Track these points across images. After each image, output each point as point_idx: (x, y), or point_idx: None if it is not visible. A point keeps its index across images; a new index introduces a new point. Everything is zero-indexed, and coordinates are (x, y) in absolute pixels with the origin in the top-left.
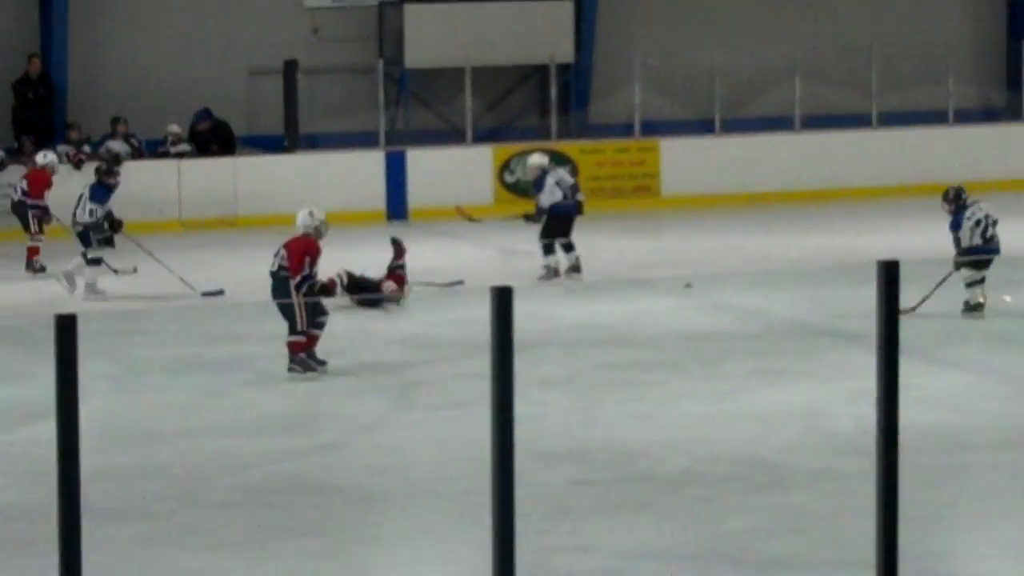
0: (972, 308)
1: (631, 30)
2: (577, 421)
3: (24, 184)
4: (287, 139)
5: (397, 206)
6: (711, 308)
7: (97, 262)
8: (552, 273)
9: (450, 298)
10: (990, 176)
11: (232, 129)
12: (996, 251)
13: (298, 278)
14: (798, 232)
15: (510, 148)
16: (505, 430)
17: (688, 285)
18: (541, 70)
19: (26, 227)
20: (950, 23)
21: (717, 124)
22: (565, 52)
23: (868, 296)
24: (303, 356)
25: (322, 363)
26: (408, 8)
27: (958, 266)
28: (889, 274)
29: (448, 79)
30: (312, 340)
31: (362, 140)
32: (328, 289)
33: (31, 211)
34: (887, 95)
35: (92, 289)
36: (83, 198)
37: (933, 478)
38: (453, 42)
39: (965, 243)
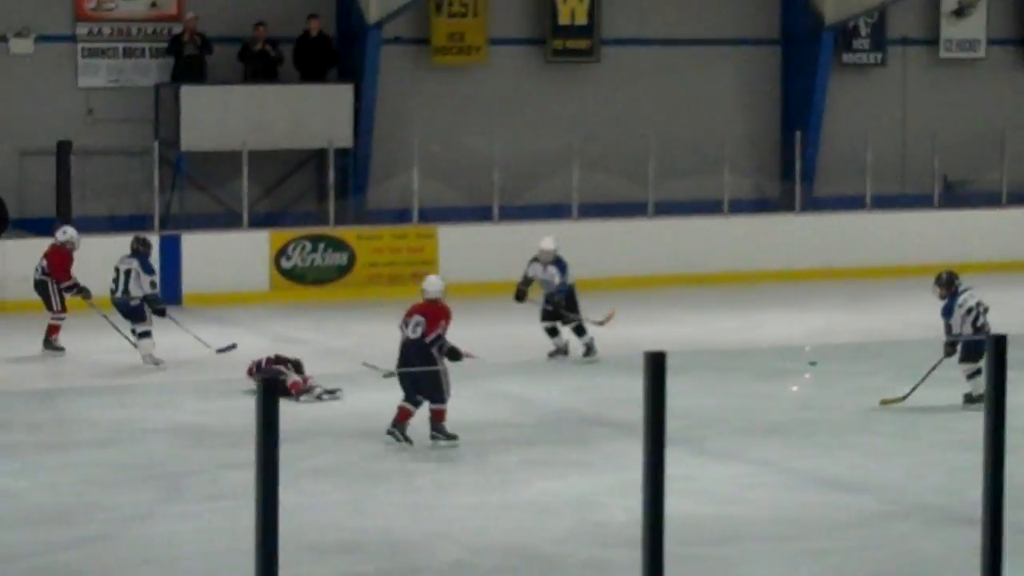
0: (974, 399)
1: (410, 116)
2: (348, 512)
3: (44, 263)
4: (59, 221)
5: (171, 291)
6: (484, 397)
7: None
8: (560, 352)
9: (220, 386)
10: (763, 267)
11: (6, 208)
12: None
13: (431, 338)
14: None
15: (287, 233)
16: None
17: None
18: (319, 155)
19: (49, 305)
20: (726, 114)
21: (495, 211)
22: (343, 137)
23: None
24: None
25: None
26: (184, 90)
27: (948, 353)
28: (655, 365)
29: (225, 163)
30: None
31: (136, 223)
32: (459, 353)
33: (63, 292)
34: (663, 184)
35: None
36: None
37: (703, 569)
38: (230, 125)
39: (956, 330)
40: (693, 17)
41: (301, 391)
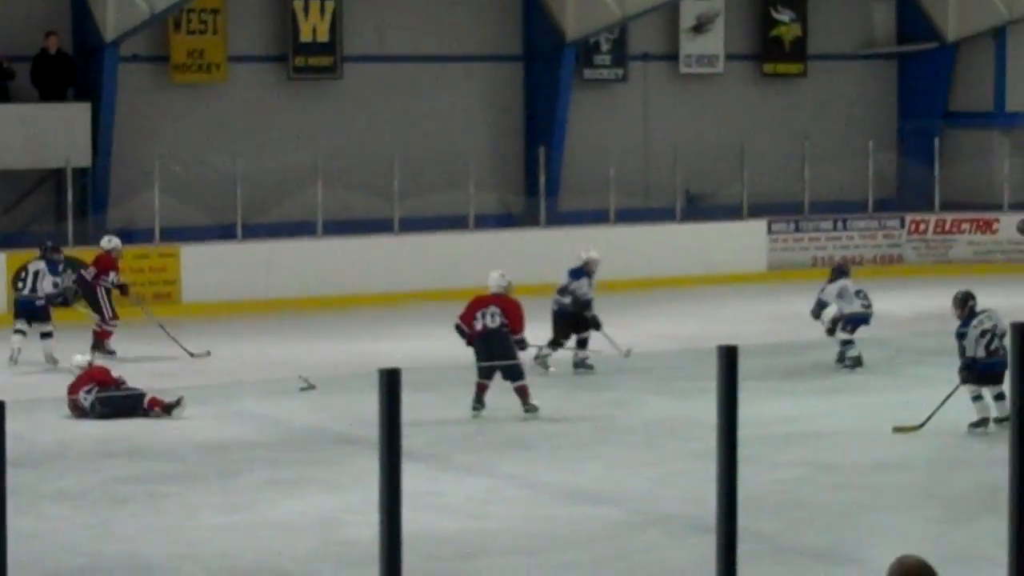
0: (977, 424)
1: (150, 134)
2: (90, 536)
3: (93, 269)
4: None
5: None
6: (230, 417)
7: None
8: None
9: None
10: (511, 280)
11: None
12: (1001, 364)
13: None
14: (320, 338)
15: (25, 255)
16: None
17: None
18: (57, 174)
19: (99, 310)
20: (470, 130)
21: (239, 230)
22: (82, 156)
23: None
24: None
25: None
26: None
27: (964, 379)
28: (390, 382)
29: None
30: None
31: None
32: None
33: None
34: (409, 200)
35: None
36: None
37: None
38: None
39: (969, 353)
40: (435, 34)
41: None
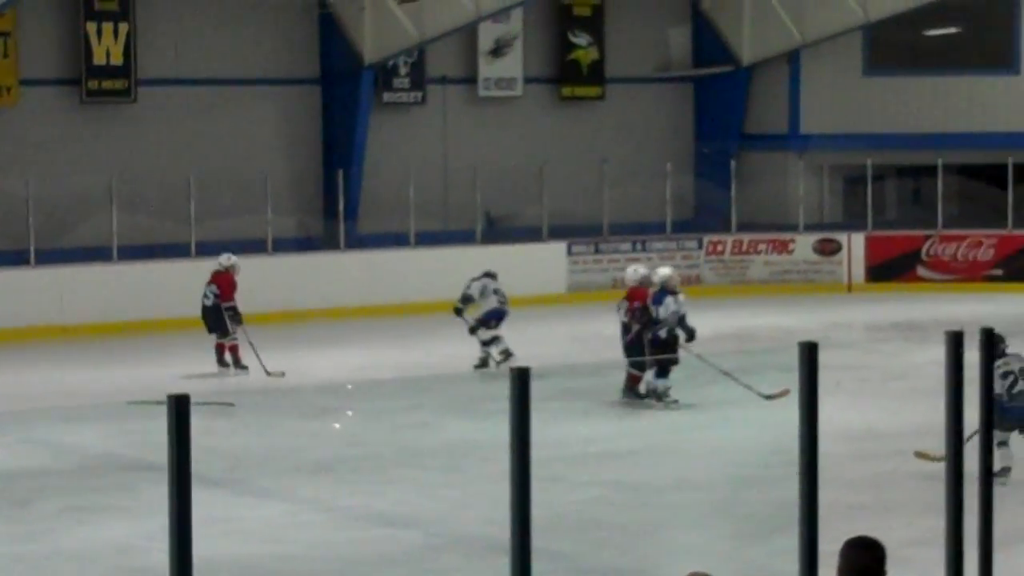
0: (999, 473)
1: None
2: None
3: (215, 288)
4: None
5: None
6: (22, 445)
7: None
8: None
9: None
10: (309, 305)
11: None
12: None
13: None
14: (116, 364)
15: None
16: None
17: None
18: None
19: (223, 329)
20: (267, 153)
21: (32, 255)
22: None
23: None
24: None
25: None
26: None
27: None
28: (179, 408)
29: None
30: None
31: None
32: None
33: (226, 313)
34: (206, 224)
35: None
36: None
37: None
38: None
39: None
40: (231, 57)
41: None
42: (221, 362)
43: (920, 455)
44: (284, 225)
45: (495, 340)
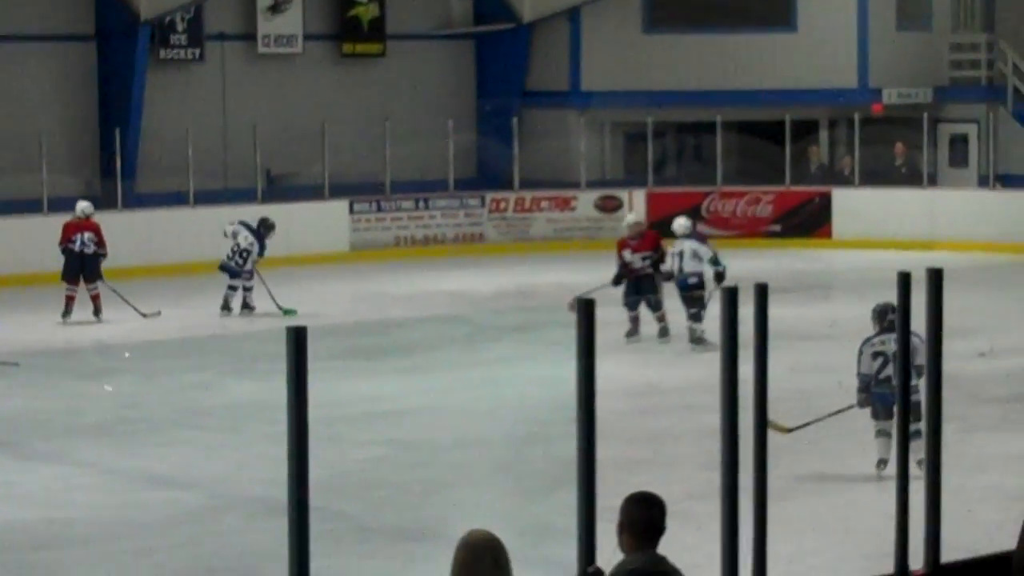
0: (881, 464)
1: None
2: None
3: (92, 236)
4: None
5: None
6: None
7: None
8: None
9: None
10: None
11: None
12: (887, 399)
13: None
14: None
15: None
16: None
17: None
18: None
19: (98, 277)
20: (42, 111)
21: None
22: None
23: None
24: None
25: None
26: None
27: (861, 403)
28: None
29: None
30: None
31: None
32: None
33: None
34: None
35: None
36: None
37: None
38: None
39: (862, 371)
40: (4, 12)
41: None
42: (69, 311)
43: (771, 425)
44: (60, 184)
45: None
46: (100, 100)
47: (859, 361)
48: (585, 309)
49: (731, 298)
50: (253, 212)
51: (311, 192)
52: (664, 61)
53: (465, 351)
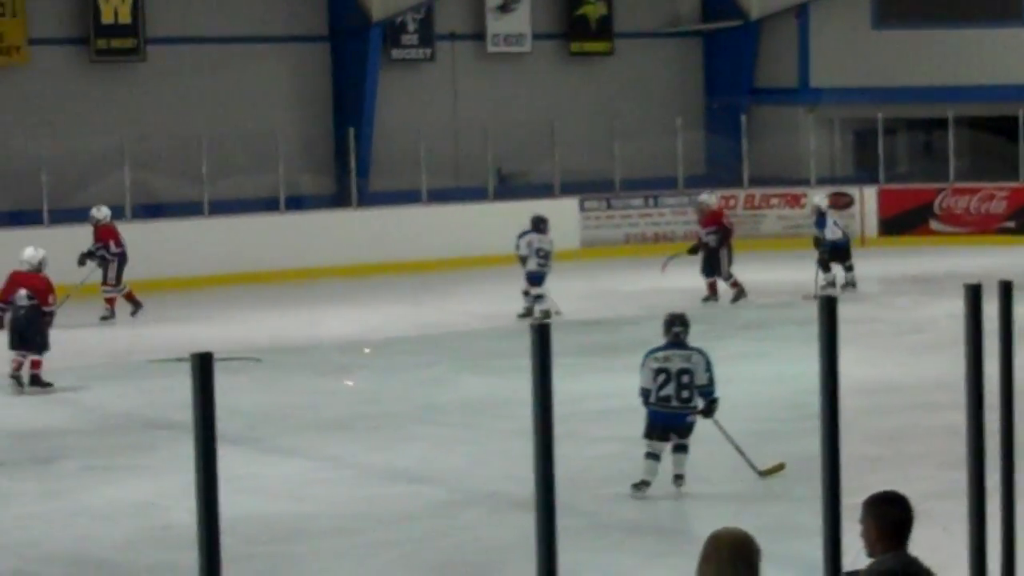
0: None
1: None
2: None
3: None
4: None
5: None
6: (42, 404)
7: None
8: (830, 285)
9: None
10: (322, 263)
11: None
12: (670, 417)
13: None
14: (132, 323)
15: None
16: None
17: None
18: None
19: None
20: (278, 111)
21: (45, 215)
22: None
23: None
24: None
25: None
26: None
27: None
28: (203, 366)
29: None
30: None
31: None
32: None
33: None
34: (218, 183)
35: None
36: None
37: (270, 567)
38: None
39: (643, 383)
40: (240, 14)
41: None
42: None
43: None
44: (296, 183)
45: (539, 299)
46: (334, 100)
47: (640, 372)
48: (828, 307)
49: (975, 295)
50: (485, 211)
51: (541, 190)
52: (893, 57)
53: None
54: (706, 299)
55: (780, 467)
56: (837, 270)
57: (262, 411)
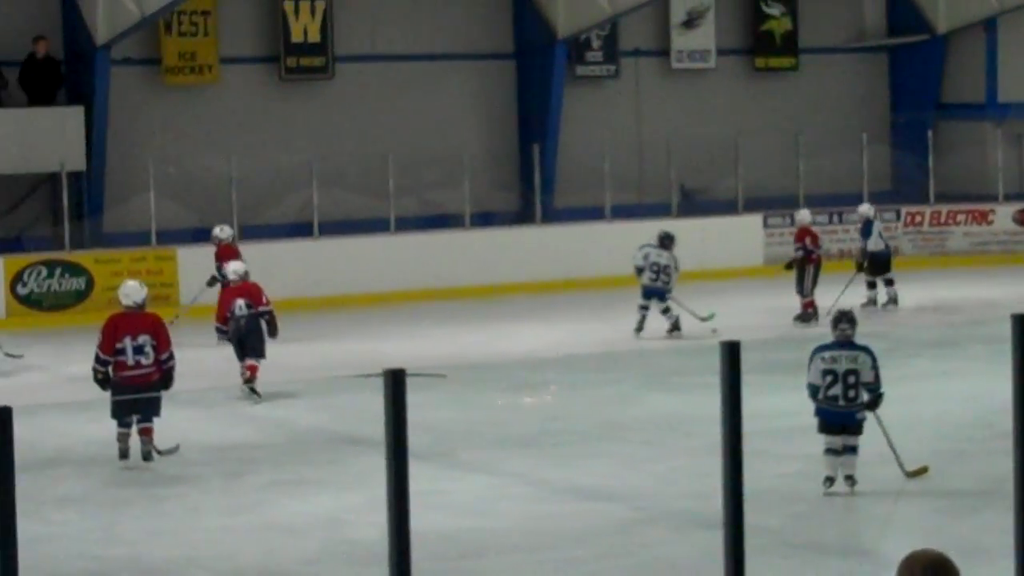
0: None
1: (144, 137)
2: (95, 539)
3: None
4: None
5: None
6: (232, 419)
7: None
8: (871, 303)
9: None
10: (507, 279)
11: None
12: (838, 415)
13: None
14: (317, 339)
15: (23, 259)
16: None
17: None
18: (52, 178)
19: None
20: (463, 128)
21: (236, 231)
22: (76, 159)
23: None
24: None
25: None
26: None
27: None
28: (395, 382)
29: None
30: None
31: None
32: None
33: None
34: (404, 199)
35: None
36: None
37: None
38: None
39: (810, 379)
40: (426, 32)
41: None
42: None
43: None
44: (481, 200)
45: (666, 312)
46: (519, 116)
47: (808, 368)
48: (1021, 325)
49: None
50: (668, 228)
51: (725, 206)
52: None
53: (883, 366)
54: (797, 318)
55: (924, 470)
56: (880, 287)
57: (447, 427)
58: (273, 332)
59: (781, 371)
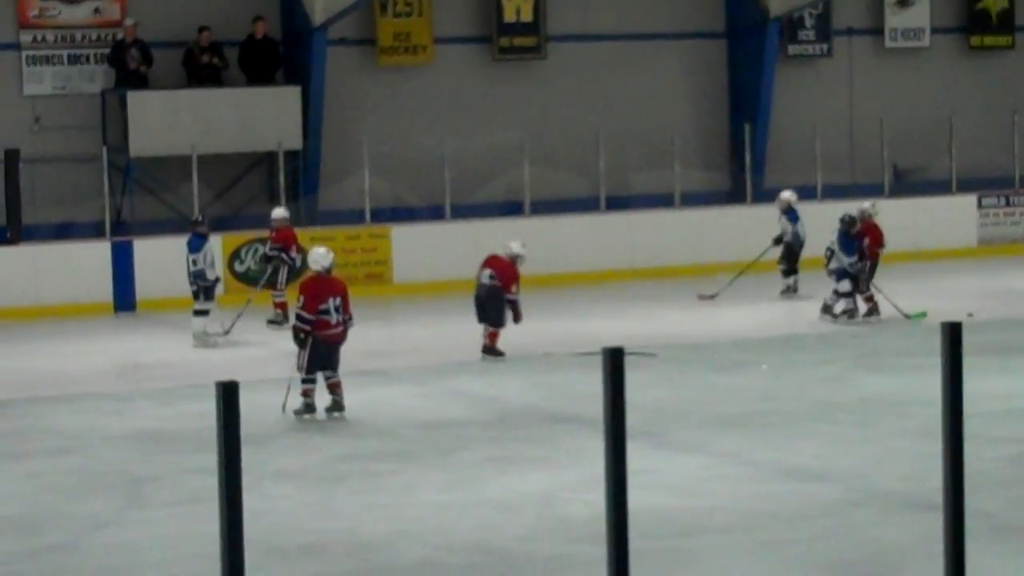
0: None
1: (359, 116)
2: (311, 514)
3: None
4: (9, 230)
5: (124, 297)
6: (445, 396)
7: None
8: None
9: (177, 391)
10: (717, 258)
11: None
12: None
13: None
14: (529, 317)
15: (240, 237)
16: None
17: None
18: (269, 157)
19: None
20: (674, 107)
21: (447, 210)
22: (293, 139)
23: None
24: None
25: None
26: (132, 95)
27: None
28: (615, 361)
29: (174, 167)
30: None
31: (87, 230)
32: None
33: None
34: (615, 179)
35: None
36: None
37: (667, 562)
38: (178, 129)
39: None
40: (638, 12)
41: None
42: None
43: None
44: (691, 179)
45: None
46: (730, 96)
47: None
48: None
49: None
50: (881, 208)
51: (938, 187)
52: None
53: None
54: (866, 314)
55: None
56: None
57: (659, 406)
58: (517, 318)
59: (996, 354)
